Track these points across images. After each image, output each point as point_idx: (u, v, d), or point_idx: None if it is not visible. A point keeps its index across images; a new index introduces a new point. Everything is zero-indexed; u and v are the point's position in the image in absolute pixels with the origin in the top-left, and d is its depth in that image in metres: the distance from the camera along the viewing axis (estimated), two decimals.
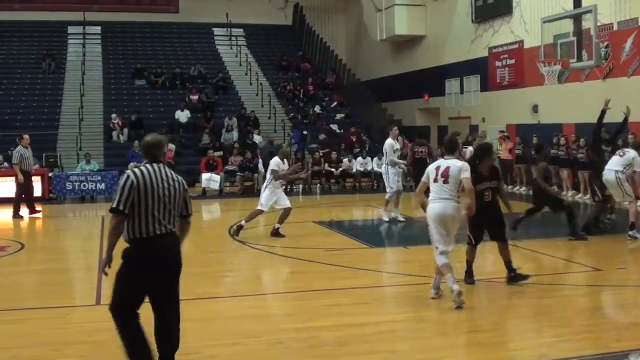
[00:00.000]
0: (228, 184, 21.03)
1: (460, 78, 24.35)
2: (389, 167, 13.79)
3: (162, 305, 4.94)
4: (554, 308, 7.32)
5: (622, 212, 12.37)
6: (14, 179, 16.68)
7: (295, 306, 7.47)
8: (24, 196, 15.58)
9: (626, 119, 12.33)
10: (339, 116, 27.91)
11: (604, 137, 13.03)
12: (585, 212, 14.31)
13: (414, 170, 14.22)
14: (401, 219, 13.70)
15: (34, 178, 16.43)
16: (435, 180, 7.42)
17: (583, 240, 11.08)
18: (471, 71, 23.65)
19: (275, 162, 11.72)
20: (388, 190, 13.84)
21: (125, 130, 24.16)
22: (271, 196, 11.66)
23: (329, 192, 21.01)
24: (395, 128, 14.49)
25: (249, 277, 9.70)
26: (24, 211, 15.53)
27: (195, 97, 26.94)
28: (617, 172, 11.26)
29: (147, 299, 4.97)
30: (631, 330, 6.46)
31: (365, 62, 31.96)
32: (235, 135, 24.55)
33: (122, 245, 4.92)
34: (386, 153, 13.88)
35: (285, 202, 11.87)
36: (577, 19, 16.81)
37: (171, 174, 4.99)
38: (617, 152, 11.56)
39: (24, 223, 15.10)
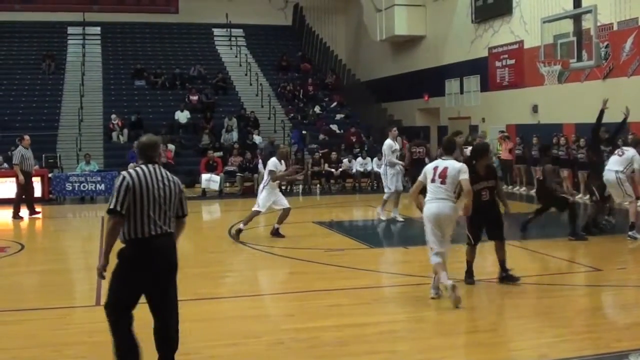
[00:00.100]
0: (228, 184, 21.03)
1: (460, 78, 24.36)
2: (387, 167, 13.85)
3: (159, 306, 4.94)
4: (554, 308, 7.32)
5: (622, 212, 12.37)
6: (13, 179, 16.68)
7: (295, 306, 7.47)
8: (24, 197, 15.57)
9: (625, 119, 12.33)
10: (338, 116, 27.92)
11: (603, 136, 13.03)
12: (585, 212, 14.29)
13: (412, 171, 14.20)
14: (400, 219, 13.70)
15: (33, 179, 16.41)
16: (433, 180, 7.45)
17: (583, 240, 11.08)
18: (471, 71, 23.65)
19: (273, 162, 11.69)
20: (386, 190, 13.91)
21: (125, 131, 24.16)
22: (269, 197, 11.64)
23: (329, 193, 21.00)
24: (395, 129, 14.51)
25: (249, 277, 9.69)
26: (24, 212, 15.52)
27: (194, 98, 26.94)
28: (617, 172, 11.26)
29: (144, 300, 4.97)
30: (631, 330, 6.46)
31: (365, 62, 31.97)
32: (234, 135, 24.56)
33: (117, 245, 4.92)
34: (384, 154, 13.94)
35: (284, 202, 11.86)
36: (576, 18, 16.81)
37: (166, 175, 4.99)
38: (616, 152, 11.55)
39: (24, 223, 15.09)
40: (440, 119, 25.86)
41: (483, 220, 8.16)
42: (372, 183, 21.45)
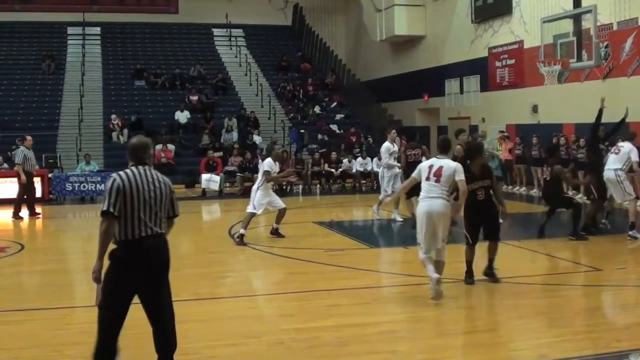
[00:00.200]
0: (228, 184, 21.03)
1: (459, 78, 24.36)
2: (385, 169, 13.93)
3: (153, 305, 4.96)
4: (554, 308, 7.32)
5: (622, 212, 12.38)
6: (14, 179, 16.69)
7: (295, 306, 7.47)
8: (25, 197, 15.57)
9: (623, 119, 12.32)
10: (338, 116, 27.92)
11: (602, 135, 13.04)
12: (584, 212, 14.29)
13: (408, 173, 14.14)
14: (399, 219, 13.70)
15: (34, 179, 16.40)
16: (427, 179, 7.49)
17: (583, 240, 11.08)
18: (471, 71, 23.65)
19: (268, 163, 11.65)
20: (382, 192, 13.96)
21: (125, 131, 24.15)
22: (263, 198, 11.60)
23: (329, 193, 21.01)
24: (393, 131, 14.54)
25: (249, 277, 9.71)
26: (24, 212, 15.52)
27: (194, 98, 26.95)
28: (616, 170, 11.28)
29: (139, 301, 4.98)
30: (631, 330, 6.46)
31: (365, 62, 31.97)
32: (234, 135, 24.56)
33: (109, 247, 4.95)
34: (382, 156, 14.01)
35: (279, 203, 11.84)
36: (576, 18, 16.82)
37: (157, 176, 5.01)
38: (613, 150, 11.57)
39: (24, 224, 15.09)
40: (440, 119, 25.85)
41: (480, 220, 8.17)
42: (372, 183, 21.44)
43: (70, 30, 31.63)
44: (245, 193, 19.74)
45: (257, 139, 24.37)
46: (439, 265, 7.50)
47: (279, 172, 12.40)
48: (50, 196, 18.82)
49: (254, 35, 33.46)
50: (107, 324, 4.85)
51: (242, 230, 11.38)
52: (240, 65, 30.82)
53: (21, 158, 15.47)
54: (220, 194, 20.02)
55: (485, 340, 6.26)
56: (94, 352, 4.87)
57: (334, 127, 26.68)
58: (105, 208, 4.79)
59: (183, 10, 32.90)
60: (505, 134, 20.36)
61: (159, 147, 23.05)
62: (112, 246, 4.90)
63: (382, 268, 10.02)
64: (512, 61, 21.39)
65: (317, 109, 27.87)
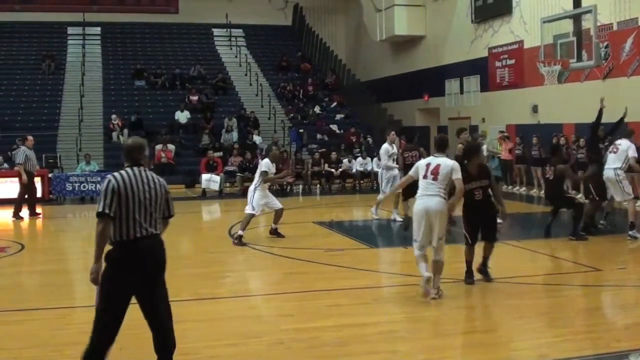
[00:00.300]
0: (228, 185, 21.03)
1: (459, 78, 24.36)
2: (384, 171, 13.99)
3: (150, 306, 4.97)
4: (554, 308, 7.33)
5: (622, 212, 12.38)
6: (14, 179, 16.70)
7: (295, 306, 7.47)
8: (26, 197, 15.57)
9: (622, 119, 12.31)
10: (338, 116, 27.93)
11: (601, 135, 13.04)
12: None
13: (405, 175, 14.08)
14: (399, 219, 13.70)
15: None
16: (425, 177, 7.52)
17: (583, 241, 11.07)
18: (471, 71, 23.66)
19: (266, 163, 11.62)
20: (381, 194, 13.99)
21: (125, 131, 24.14)
22: (261, 198, 11.58)
23: (329, 193, 21.01)
24: (392, 132, 14.54)
25: (249, 277, 9.71)
26: (24, 212, 15.52)
27: (194, 98, 26.95)
28: (615, 169, 11.28)
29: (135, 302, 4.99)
30: (631, 330, 6.46)
31: (365, 62, 31.97)
32: (234, 135, 24.57)
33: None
34: (381, 158, 14.08)
35: (276, 203, 11.83)
36: (576, 18, 16.81)
37: (152, 177, 5.02)
38: (611, 149, 11.57)
39: (24, 224, 15.10)
40: (440, 119, 25.86)
41: (479, 220, 8.18)
42: (371, 183, 21.45)
43: (70, 30, 31.63)
44: (246, 193, 19.76)
45: (257, 139, 24.37)
46: (437, 265, 7.51)
47: (277, 173, 12.38)
48: (51, 196, 18.83)
49: (254, 35, 33.47)
50: (102, 327, 4.85)
51: (240, 232, 11.37)
52: (240, 65, 30.82)
53: (23, 158, 15.48)
54: (220, 194, 20.02)
55: (485, 340, 6.26)
56: (85, 353, 4.86)
57: (334, 127, 26.70)
58: (100, 209, 4.81)
59: (183, 10, 32.91)
60: (505, 134, 20.36)
61: (159, 147, 23.08)
62: (108, 247, 4.91)
63: (382, 268, 10.02)
64: (512, 61, 21.39)
65: (317, 109, 27.88)
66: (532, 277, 8.78)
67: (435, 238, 7.44)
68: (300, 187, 21.56)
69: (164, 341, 4.98)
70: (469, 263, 8.27)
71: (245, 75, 29.88)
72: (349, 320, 6.82)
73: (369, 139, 24.96)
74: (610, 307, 7.75)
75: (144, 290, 4.93)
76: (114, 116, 24.48)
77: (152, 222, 4.93)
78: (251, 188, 11.81)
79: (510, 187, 19.75)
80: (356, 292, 8.03)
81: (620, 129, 12.53)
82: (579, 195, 16.28)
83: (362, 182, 21.79)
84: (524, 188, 19.25)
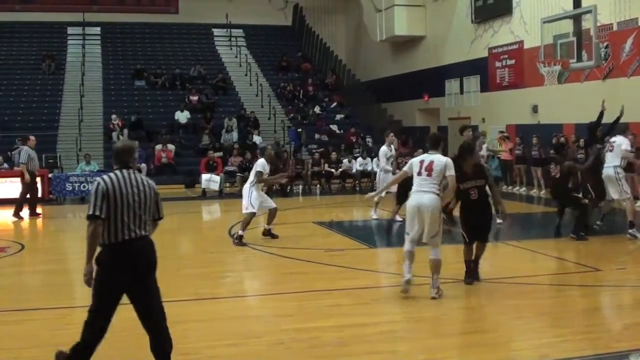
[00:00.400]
0: (228, 185, 21.03)
1: (459, 78, 24.37)
2: (382, 173, 14.06)
3: (144, 307, 4.99)
4: (554, 308, 7.33)
5: (621, 213, 12.37)
6: (13, 179, 16.70)
7: (295, 306, 7.47)
8: (27, 196, 15.58)
9: (618, 118, 12.31)
10: (338, 116, 27.93)
11: (599, 135, 13.05)
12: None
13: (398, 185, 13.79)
14: (399, 219, 13.69)
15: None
16: (419, 174, 7.57)
17: (583, 240, 11.07)
18: (471, 71, 23.66)
19: (261, 163, 11.59)
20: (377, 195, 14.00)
21: (125, 131, 24.13)
22: (258, 197, 11.58)
23: (329, 193, 21.01)
24: (391, 134, 14.53)
25: (249, 277, 9.71)
26: (24, 212, 15.52)
27: (194, 98, 26.95)
28: (615, 167, 11.30)
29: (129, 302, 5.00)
30: (631, 330, 6.46)
31: (365, 63, 31.97)
32: (234, 135, 24.56)
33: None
34: (379, 160, 14.11)
35: (270, 203, 11.82)
36: (576, 19, 16.82)
37: (141, 179, 5.05)
38: (607, 148, 11.57)
39: (24, 224, 15.10)
40: (440, 119, 25.85)
41: (475, 219, 8.19)
42: (371, 183, 21.44)
43: (70, 30, 31.63)
44: None
45: (257, 139, 24.36)
46: (434, 264, 7.52)
47: (276, 173, 12.36)
48: (51, 196, 18.83)
49: (254, 35, 33.47)
50: (93, 325, 4.91)
51: (240, 232, 11.37)
52: (240, 66, 30.82)
53: (25, 157, 15.51)
54: (220, 194, 20.02)
55: (486, 340, 6.27)
56: (74, 347, 4.92)
57: (334, 127, 26.70)
58: (91, 212, 4.84)
59: (183, 11, 32.91)
60: (505, 134, 20.36)
61: (159, 147, 23.10)
62: (99, 249, 4.95)
63: (382, 268, 10.01)
64: (512, 61, 21.39)
65: (317, 109, 27.89)
66: (532, 277, 8.77)
67: (427, 234, 7.46)
68: (300, 187, 21.56)
69: (161, 341, 4.99)
70: (468, 263, 8.27)
71: (245, 75, 29.89)
72: (349, 320, 6.82)
73: (368, 139, 24.96)
74: (610, 307, 7.75)
75: (136, 291, 4.95)
76: (114, 116, 24.47)
77: (141, 224, 4.96)
78: (246, 186, 11.75)
79: (510, 187, 19.75)
80: (356, 292, 8.03)
81: (616, 128, 12.52)
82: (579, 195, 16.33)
83: (362, 182, 21.77)
84: (524, 188, 19.24)
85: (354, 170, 21.69)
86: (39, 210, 16.04)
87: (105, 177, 4.96)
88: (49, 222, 15.91)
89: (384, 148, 14.08)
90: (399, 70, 28.44)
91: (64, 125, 24.92)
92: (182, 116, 25.53)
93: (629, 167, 13.10)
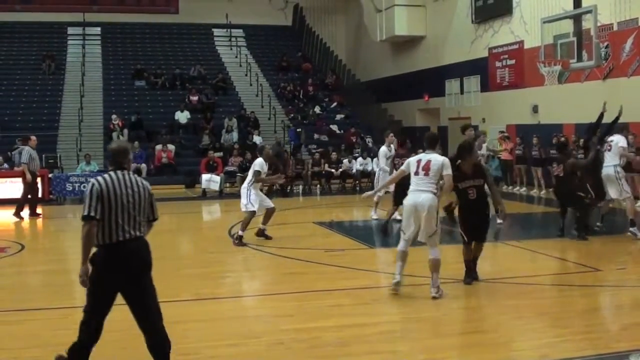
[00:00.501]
0: (228, 185, 21.03)
1: (460, 78, 24.37)
2: (381, 172, 14.08)
3: (141, 307, 5.00)
4: (554, 308, 7.33)
5: (621, 213, 12.38)
6: (13, 179, 16.69)
7: (295, 306, 7.47)
8: (28, 196, 15.58)
9: (617, 118, 12.32)
10: (338, 116, 27.93)
11: (598, 136, 13.03)
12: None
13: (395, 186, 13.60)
14: (399, 218, 13.68)
15: None
16: (416, 173, 7.61)
17: (583, 241, 11.06)
18: (471, 71, 23.66)
19: (259, 163, 11.55)
20: (376, 196, 13.99)
21: (125, 131, 24.14)
22: (257, 196, 11.58)
23: (329, 193, 21.01)
24: (391, 134, 14.52)
25: (249, 277, 9.72)
26: (25, 212, 15.52)
27: (194, 98, 26.95)
28: (615, 166, 11.30)
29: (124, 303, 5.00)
30: (631, 330, 6.46)
31: (365, 63, 31.97)
32: (235, 135, 24.57)
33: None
34: (379, 160, 14.16)
35: (268, 203, 11.82)
36: (576, 19, 16.82)
37: (136, 180, 5.06)
38: (605, 148, 11.56)
39: (24, 224, 15.10)
40: (441, 119, 25.86)
41: (474, 219, 8.20)
42: (371, 183, 21.41)
43: (70, 30, 31.64)
44: None
45: (257, 139, 24.36)
46: (432, 263, 7.53)
47: (274, 172, 12.34)
48: (51, 196, 18.83)
49: (254, 35, 33.47)
50: (88, 325, 4.96)
51: (240, 232, 11.36)
52: (241, 66, 30.82)
53: (27, 157, 15.52)
54: (220, 194, 20.02)
55: (486, 340, 6.27)
56: (71, 348, 4.96)
57: (334, 127, 26.70)
58: (86, 212, 4.88)
59: (183, 11, 32.91)
60: (506, 134, 20.37)
61: (159, 147, 23.11)
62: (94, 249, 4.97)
63: (382, 268, 9.99)
64: (513, 61, 21.39)
65: (317, 109, 27.89)
66: (532, 277, 8.77)
67: (424, 234, 7.47)
68: (301, 187, 21.56)
69: (159, 341, 5.00)
70: (467, 263, 8.27)
71: (246, 75, 29.89)
72: (349, 320, 6.82)
73: (368, 139, 24.96)
74: (610, 307, 7.75)
75: (131, 291, 4.97)
76: (114, 116, 24.46)
77: (135, 225, 4.97)
78: (244, 186, 11.72)
79: (510, 187, 19.75)
80: (356, 292, 8.04)
81: (615, 128, 12.52)
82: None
83: (362, 182, 21.76)
84: (524, 188, 19.25)
85: (354, 171, 21.69)
86: (39, 210, 16.04)
87: (99, 178, 4.99)
88: (49, 222, 15.91)
89: (383, 148, 14.10)
90: (399, 70, 28.44)
91: (64, 125, 24.93)
92: (182, 116, 25.53)
93: (628, 167, 13.11)
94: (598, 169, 11.63)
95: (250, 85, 29.21)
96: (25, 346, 6.14)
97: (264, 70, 30.76)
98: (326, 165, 21.85)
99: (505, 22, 21.72)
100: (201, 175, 20.60)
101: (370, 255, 10.98)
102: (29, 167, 15.44)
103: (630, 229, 11.21)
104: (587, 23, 16.54)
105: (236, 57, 31.51)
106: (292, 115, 27.29)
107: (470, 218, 8.19)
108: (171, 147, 23.19)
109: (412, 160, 7.76)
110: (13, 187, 17.27)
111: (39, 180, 16.79)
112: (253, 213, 11.49)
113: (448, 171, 7.51)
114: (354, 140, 24.50)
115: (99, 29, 31.73)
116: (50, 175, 19.16)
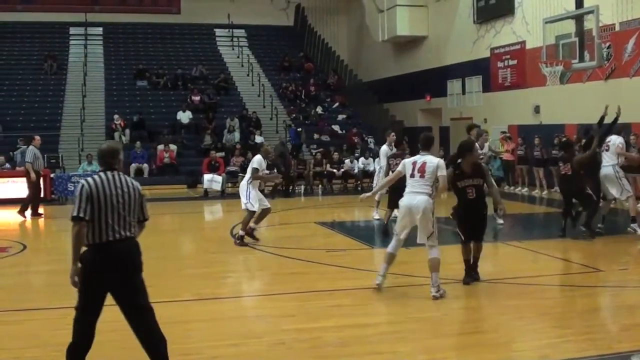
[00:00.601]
0: (230, 185, 21.03)
1: (461, 78, 24.36)
2: (381, 170, 14.02)
3: (135, 309, 5.00)
4: (556, 308, 7.32)
5: (622, 213, 12.36)
6: (15, 179, 16.70)
7: (296, 307, 7.46)
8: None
9: (616, 119, 12.31)
10: (340, 117, 27.94)
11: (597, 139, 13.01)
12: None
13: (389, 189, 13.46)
14: (396, 214, 13.67)
15: None
16: (412, 175, 7.63)
17: (587, 240, 11.03)
18: (473, 72, 23.65)
19: (258, 160, 11.50)
20: (377, 195, 13.98)
21: (127, 131, 24.20)
22: (256, 195, 11.55)
23: (331, 193, 21.00)
24: (392, 134, 14.49)
25: (250, 277, 9.71)
26: (27, 212, 15.54)
27: (196, 98, 26.98)
28: (614, 166, 11.28)
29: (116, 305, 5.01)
30: (633, 331, 6.45)
31: (367, 63, 31.97)
32: (236, 135, 24.59)
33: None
34: (380, 160, 14.14)
35: (266, 203, 11.79)
36: (578, 19, 16.78)
37: (126, 181, 5.08)
38: (603, 148, 11.54)
39: (26, 223, 15.11)
40: (442, 119, 25.86)
41: (472, 219, 8.19)
42: (373, 183, 21.39)
43: (72, 30, 31.69)
44: None
45: (259, 139, 24.37)
46: (432, 263, 7.53)
47: (272, 172, 12.30)
48: (53, 196, 18.84)
49: (256, 35, 33.49)
50: (80, 324, 4.94)
51: (241, 232, 11.36)
52: (242, 66, 30.84)
53: (32, 157, 15.56)
54: (222, 194, 20.03)
55: (487, 340, 6.26)
56: (68, 349, 4.95)
57: (336, 127, 26.70)
58: (75, 213, 4.88)
59: (185, 11, 32.92)
60: (507, 134, 20.35)
61: (161, 147, 23.13)
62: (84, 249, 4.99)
63: None
64: (514, 62, 21.38)
65: (319, 110, 27.90)
66: (533, 277, 8.76)
67: (422, 235, 7.48)
68: (302, 187, 21.56)
69: (154, 341, 5.00)
70: (467, 262, 8.27)
71: (247, 75, 29.91)
72: (350, 320, 6.82)
73: (370, 139, 24.95)
74: (612, 308, 7.73)
75: (121, 292, 4.98)
76: (116, 116, 24.51)
77: (125, 225, 4.98)
78: (243, 183, 11.66)
79: (512, 187, 19.74)
80: (357, 292, 8.03)
81: (614, 129, 12.51)
82: None
83: (363, 182, 21.74)
84: (526, 189, 19.24)
85: (355, 171, 21.69)
86: (41, 210, 16.06)
87: (89, 179, 5.01)
88: (50, 222, 15.91)
89: (384, 147, 14.06)
90: (401, 71, 28.44)
91: (66, 125, 24.96)
92: (184, 116, 25.55)
93: (628, 168, 13.07)
94: (596, 171, 11.58)
95: (252, 85, 29.23)
96: (25, 346, 6.14)
97: (265, 70, 30.78)
98: (328, 165, 21.84)
99: (507, 23, 21.71)
100: (203, 176, 20.60)
101: (371, 255, 10.96)
102: (33, 167, 15.48)
103: (631, 224, 11.20)
104: (589, 23, 16.50)
105: (238, 57, 31.53)
106: (294, 115, 27.29)
107: (468, 217, 8.19)
108: (173, 147, 23.20)
109: (408, 162, 7.78)
110: (15, 187, 17.29)
111: (40, 180, 16.81)
112: (253, 212, 11.47)
113: (443, 172, 7.55)
114: (355, 141, 24.50)
115: (101, 29, 31.78)
116: (52, 175, 19.16)
